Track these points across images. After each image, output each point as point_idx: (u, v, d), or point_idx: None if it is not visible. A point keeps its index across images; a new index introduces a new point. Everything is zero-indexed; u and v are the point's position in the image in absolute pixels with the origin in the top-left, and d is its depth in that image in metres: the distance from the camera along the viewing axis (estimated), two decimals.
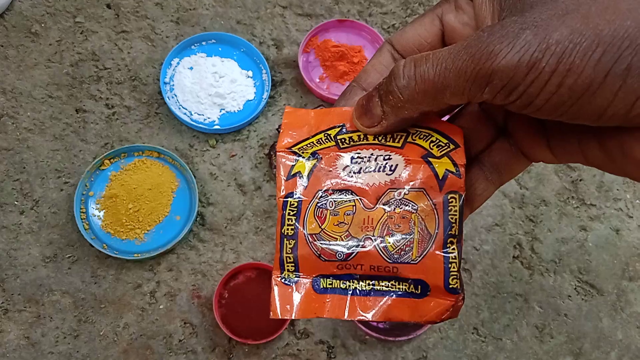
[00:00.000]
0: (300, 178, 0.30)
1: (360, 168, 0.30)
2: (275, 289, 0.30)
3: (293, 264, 0.29)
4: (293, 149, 0.31)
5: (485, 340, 0.77)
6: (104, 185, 0.78)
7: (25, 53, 0.85)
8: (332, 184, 0.30)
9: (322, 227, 0.29)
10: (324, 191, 0.30)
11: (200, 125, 0.83)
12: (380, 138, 0.30)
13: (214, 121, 0.84)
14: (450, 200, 0.29)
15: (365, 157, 0.30)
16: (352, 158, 0.30)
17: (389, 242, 0.29)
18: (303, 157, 0.31)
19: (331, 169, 0.30)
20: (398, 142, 0.30)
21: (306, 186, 0.30)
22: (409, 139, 0.30)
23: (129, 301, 0.74)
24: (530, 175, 0.86)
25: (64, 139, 0.82)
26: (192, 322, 0.74)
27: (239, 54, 0.89)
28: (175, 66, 0.86)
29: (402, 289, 0.29)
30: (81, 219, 0.76)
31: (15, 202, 0.77)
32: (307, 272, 0.29)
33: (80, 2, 0.89)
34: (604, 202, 0.85)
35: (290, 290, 0.29)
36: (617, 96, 0.23)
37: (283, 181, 0.30)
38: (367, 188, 0.29)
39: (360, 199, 0.29)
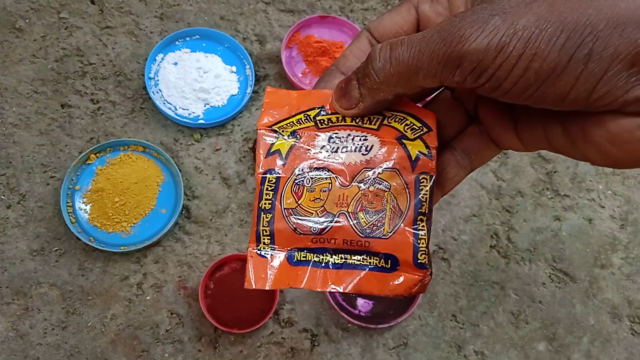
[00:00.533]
0: (279, 155, 0.32)
1: (338, 147, 0.31)
2: (251, 260, 0.31)
3: (269, 237, 0.31)
4: (273, 127, 0.32)
5: (464, 327, 0.79)
6: (90, 179, 0.79)
7: (10, 49, 0.86)
8: (309, 162, 0.31)
9: (299, 202, 0.31)
10: (301, 169, 0.31)
11: (185, 120, 0.84)
12: (357, 120, 0.32)
13: (199, 116, 0.85)
14: (421, 181, 0.30)
15: (343, 137, 0.31)
16: (330, 138, 0.32)
17: (362, 218, 0.30)
18: (283, 136, 0.32)
19: (309, 147, 0.32)
20: (374, 124, 0.31)
21: (284, 163, 0.31)
22: (385, 122, 0.31)
23: (116, 293, 0.76)
24: (506, 168, 0.88)
25: (50, 134, 0.82)
26: (178, 313, 0.76)
27: (223, 50, 0.90)
28: (160, 61, 0.88)
29: (373, 263, 0.30)
30: (68, 212, 0.77)
31: (2, 197, 0.78)
32: (282, 245, 0.31)
33: None
34: (577, 192, 0.88)
35: (265, 262, 0.31)
36: (578, 80, 0.24)
37: (262, 158, 0.32)
38: (343, 167, 0.31)
39: (336, 177, 0.31)
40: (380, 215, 0.30)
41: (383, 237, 0.30)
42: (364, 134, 0.31)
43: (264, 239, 0.31)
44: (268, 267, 0.31)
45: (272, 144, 0.32)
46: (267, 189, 0.31)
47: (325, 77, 0.34)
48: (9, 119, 0.83)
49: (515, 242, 0.84)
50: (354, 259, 0.30)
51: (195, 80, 0.86)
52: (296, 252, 0.31)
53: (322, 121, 0.32)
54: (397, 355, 0.77)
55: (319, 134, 0.32)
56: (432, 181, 0.30)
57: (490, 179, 0.88)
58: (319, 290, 0.30)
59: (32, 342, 0.73)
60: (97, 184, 0.79)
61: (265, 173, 0.32)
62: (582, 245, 0.85)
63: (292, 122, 0.32)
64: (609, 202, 0.88)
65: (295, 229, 0.31)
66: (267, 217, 0.31)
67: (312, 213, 0.31)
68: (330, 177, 0.31)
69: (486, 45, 0.25)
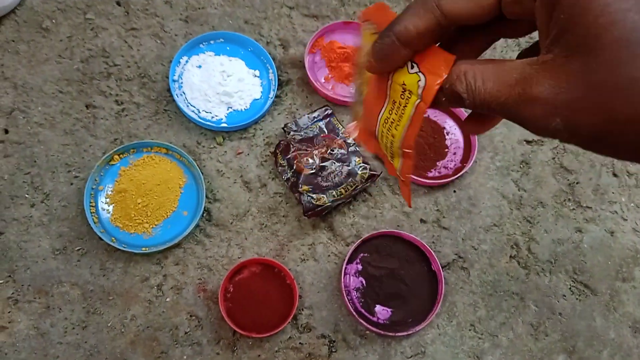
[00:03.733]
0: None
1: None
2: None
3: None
4: None
5: (482, 337, 0.79)
6: (113, 180, 0.80)
7: (36, 48, 0.87)
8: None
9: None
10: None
11: (208, 123, 0.84)
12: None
13: (222, 119, 0.86)
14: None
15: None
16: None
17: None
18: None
19: None
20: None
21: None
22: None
23: (137, 294, 0.76)
24: (528, 178, 0.88)
25: (74, 134, 0.83)
26: (197, 315, 0.76)
27: (246, 53, 0.90)
28: (184, 64, 0.88)
29: None
30: (90, 212, 0.78)
31: (26, 195, 0.79)
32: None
33: None
34: (600, 204, 0.87)
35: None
36: None
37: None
38: None
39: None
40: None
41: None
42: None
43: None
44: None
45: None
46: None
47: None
48: (34, 118, 0.83)
49: (535, 253, 0.84)
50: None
51: (218, 83, 0.86)
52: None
53: None
54: None
55: None
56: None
57: (511, 188, 0.87)
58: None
59: (52, 340, 0.73)
60: (120, 185, 0.79)
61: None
62: (604, 258, 0.85)
63: None
64: (632, 214, 0.88)
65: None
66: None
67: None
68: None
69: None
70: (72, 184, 0.80)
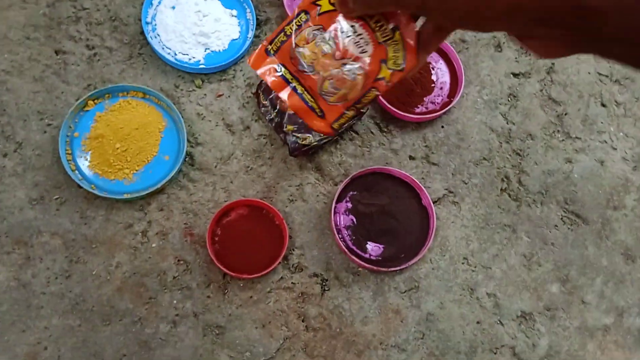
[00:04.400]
0: (317, 9, 0.44)
1: (350, 35, 0.43)
2: (260, 48, 0.49)
3: (277, 48, 0.48)
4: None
5: (475, 270, 0.78)
6: (88, 126, 0.77)
7: None
8: (332, 28, 0.44)
9: (304, 46, 0.46)
10: (321, 28, 0.45)
11: (185, 65, 0.81)
12: (374, 25, 0.43)
13: (199, 61, 0.82)
14: (370, 91, 0.46)
15: (358, 30, 0.43)
16: (353, 26, 0.43)
17: (325, 84, 0.47)
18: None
19: (337, 22, 0.44)
20: (383, 37, 0.43)
21: (316, 17, 0.44)
22: (388, 42, 0.43)
23: (121, 241, 0.74)
24: (516, 110, 0.86)
25: (45, 81, 0.79)
26: (185, 260, 0.74)
27: None
28: (157, 5, 0.84)
29: (314, 107, 0.49)
30: (67, 160, 0.74)
31: None
32: (279, 58, 0.48)
33: None
34: (589, 135, 0.86)
35: (266, 57, 0.49)
36: None
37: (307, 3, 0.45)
38: (341, 48, 0.44)
39: (335, 50, 0.44)
40: (335, 90, 0.47)
41: (327, 101, 0.48)
42: (369, 39, 0.43)
43: (273, 45, 0.48)
44: (266, 61, 0.49)
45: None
46: (296, 22, 0.46)
47: None
48: (1, 65, 0.79)
49: (526, 185, 0.83)
50: (307, 97, 0.49)
51: (194, 24, 0.83)
52: (283, 67, 0.49)
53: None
54: (409, 299, 0.76)
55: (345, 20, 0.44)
56: (374, 97, 0.46)
57: (500, 122, 0.86)
58: (273, 90, 0.51)
59: (34, 291, 0.71)
60: (97, 131, 0.76)
61: (302, 11, 0.45)
62: (594, 187, 0.84)
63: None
64: (621, 144, 0.87)
65: (291, 58, 0.47)
66: (283, 37, 0.47)
67: (305, 58, 0.46)
68: (332, 48, 0.44)
69: None
70: (45, 132, 0.77)
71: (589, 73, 0.89)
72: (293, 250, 0.76)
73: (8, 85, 0.78)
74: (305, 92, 0.51)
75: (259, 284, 0.74)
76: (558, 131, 0.86)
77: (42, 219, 0.73)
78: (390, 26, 0.43)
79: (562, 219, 0.82)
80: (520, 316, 0.77)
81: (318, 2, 0.45)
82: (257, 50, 0.50)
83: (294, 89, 0.50)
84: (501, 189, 0.82)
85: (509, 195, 0.82)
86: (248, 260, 0.73)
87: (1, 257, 0.71)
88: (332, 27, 0.45)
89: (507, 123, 0.86)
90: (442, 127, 0.84)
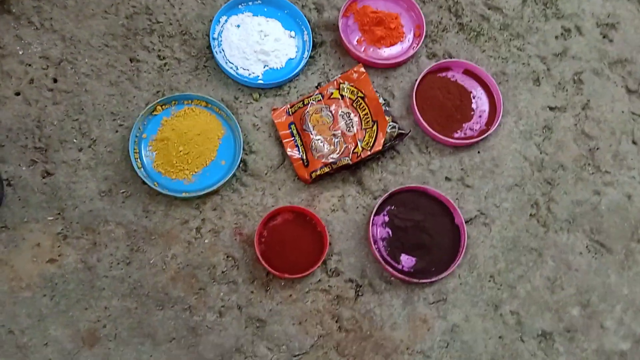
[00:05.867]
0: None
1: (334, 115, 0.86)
2: (283, 107, 0.88)
3: (294, 110, 0.88)
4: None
5: (501, 288, 0.83)
6: (156, 129, 0.85)
7: (84, 3, 0.91)
8: (335, 109, 0.88)
9: (313, 114, 0.87)
10: (328, 107, 0.88)
11: (245, 80, 0.89)
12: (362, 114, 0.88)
13: (258, 76, 0.90)
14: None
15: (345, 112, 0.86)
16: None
17: (319, 142, 0.86)
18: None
19: (337, 107, 0.87)
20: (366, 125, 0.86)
21: (328, 99, 0.88)
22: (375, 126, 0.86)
23: (177, 235, 0.81)
24: (550, 142, 0.91)
25: (119, 85, 0.88)
26: (234, 256, 0.81)
27: (283, 15, 0.94)
28: (224, 23, 0.92)
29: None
30: (135, 158, 0.82)
31: (74, 140, 0.84)
32: (293, 117, 0.88)
33: None
34: (618, 170, 0.91)
35: (284, 113, 0.88)
36: None
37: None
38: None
39: (332, 123, 0.86)
40: (321, 150, 0.84)
41: (313, 156, 0.85)
42: (356, 124, 0.86)
43: (292, 108, 0.88)
44: (284, 116, 0.88)
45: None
46: (314, 98, 0.87)
47: None
48: (81, 69, 0.88)
49: (554, 213, 0.88)
50: (301, 148, 0.86)
51: (256, 42, 0.91)
52: (293, 125, 0.87)
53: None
54: (437, 310, 0.81)
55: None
56: (344, 164, 0.84)
57: (533, 151, 0.91)
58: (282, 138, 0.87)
59: (98, 274, 0.78)
60: (163, 134, 0.84)
61: (319, 93, 0.87)
62: (620, 220, 0.88)
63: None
64: None
65: (301, 118, 0.87)
66: (301, 105, 0.87)
67: (311, 122, 0.87)
68: (330, 121, 0.86)
69: None
70: (117, 131, 0.85)
71: (623, 112, 0.94)
72: (331, 256, 0.82)
73: (87, 87, 0.87)
74: (301, 145, 0.85)
75: (298, 284, 0.80)
76: (589, 164, 0.91)
77: (109, 210, 0.81)
78: (373, 119, 0.85)
79: (587, 247, 0.86)
80: (541, 335, 0.82)
81: (333, 96, 0.87)
82: (281, 108, 0.87)
83: (295, 141, 0.86)
84: (530, 214, 0.87)
85: (538, 221, 0.87)
86: (290, 262, 0.80)
87: (71, 241, 0.79)
88: (335, 108, 0.86)
89: (540, 153, 0.91)
90: (479, 152, 0.90)
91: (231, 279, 0.80)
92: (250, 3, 0.94)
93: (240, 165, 0.86)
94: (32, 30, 0.90)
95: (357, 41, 0.94)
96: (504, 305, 0.82)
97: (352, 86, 0.88)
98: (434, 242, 0.82)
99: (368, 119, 0.86)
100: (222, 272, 0.80)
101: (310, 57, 0.93)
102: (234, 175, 0.85)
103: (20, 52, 0.88)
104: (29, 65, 0.87)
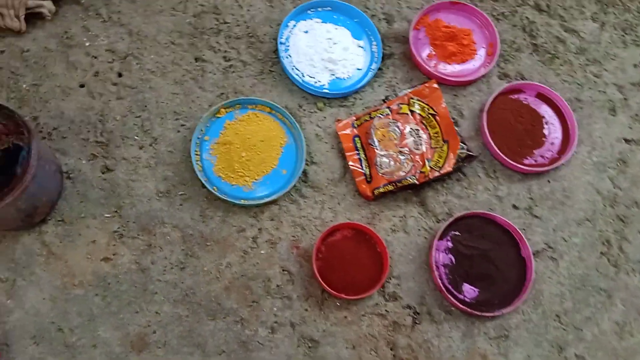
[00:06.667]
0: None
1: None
2: (348, 119, 0.85)
3: (359, 124, 0.85)
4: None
5: (567, 329, 0.79)
6: (218, 132, 0.82)
7: None
8: (404, 124, 0.84)
9: (380, 129, 0.84)
10: (396, 122, 0.84)
11: (311, 88, 0.86)
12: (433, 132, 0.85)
13: (324, 85, 0.87)
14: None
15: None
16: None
17: (385, 158, 0.83)
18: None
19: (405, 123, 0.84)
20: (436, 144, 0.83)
21: (397, 114, 0.85)
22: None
23: (233, 243, 0.79)
24: (625, 176, 0.87)
25: (184, 85, 0.86)
26: (290, 270, 0.78)
27: (352, 24, 0.91)
28: (292, 28, 0.90)
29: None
30: (195, 160, 0.80)
31: (136, 137, 0.82)
32: (358, 130, 0.85)
33: None
34: None
35: (349, 125, 0.85)
36: None
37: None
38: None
39: (400, 139, 0.84)
40: (388, 167, 0.82)
41: (378, 172, 0.82)
42: (425, 142, 0.83)
43: (358, 121, 0.85)
44: (348, 129, 0.85)
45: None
46: (381, 112, 0.84)
47: None
48: (147, 65, 0.86)
49: (627, 253, 0.83)
50: (365, 163, 0.83)
51: (324, 49, 0.88)
52: (358, 138, 0.84)
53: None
54: (497, 346, 0.77)
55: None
56: (409, 183, 0.81)
57: (607, 185, 0.86)
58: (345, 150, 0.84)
59: (152, 277, 0.76)
60: (225, 137, 0.82)
61: (387, 107, 0.84)
62: None
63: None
64: None
65: (367, 132, 0.84)
66: (367, 118, 0.85)
67: (377, 136, 0.83)
68: (397, 137, 0.83)
69: None
70: (179, 131, 0.83)
71: None
72: (390, 279, 0.79)
73: (151, 84, 0.85)
74: (365, 160, 0.82)
75: (354, 305, 0.77)
76: None
77: (166, 211, 0.79)
78: (444, 139, 0.83)
79: None
80: None
81: (402, 111, 0.84)
82: (346, 120, 0.84)
83: (358, 155, 0.83)
84: (601, 252, 0.83)
85: (608, 260, 0.82)
86: (347, 281, 0.77)
87: (127, 240, 0.77)
88: (403, 123, 0.83)
89: (614, 187, 0.86)
90: (549, 181, 0.85)
91: (286, 293, 0.77)
92: (319, 9, 0.91)
93: (301, 175, 0.83)
94: (100, 22, 0.88)
95: (427, 56, 0.91)
96: (569, 347, 0.78)
97: (423, 102, 0.85)
98: (499, 274, 0.78)
99: (438, 138, 0.82)
100: (277, 285, 0.77)
101: (378, 68, 0.89)
102: (294, 185, 0.82)
103: (87, 44, 0.87)
104: (95, 57, 0.86)
